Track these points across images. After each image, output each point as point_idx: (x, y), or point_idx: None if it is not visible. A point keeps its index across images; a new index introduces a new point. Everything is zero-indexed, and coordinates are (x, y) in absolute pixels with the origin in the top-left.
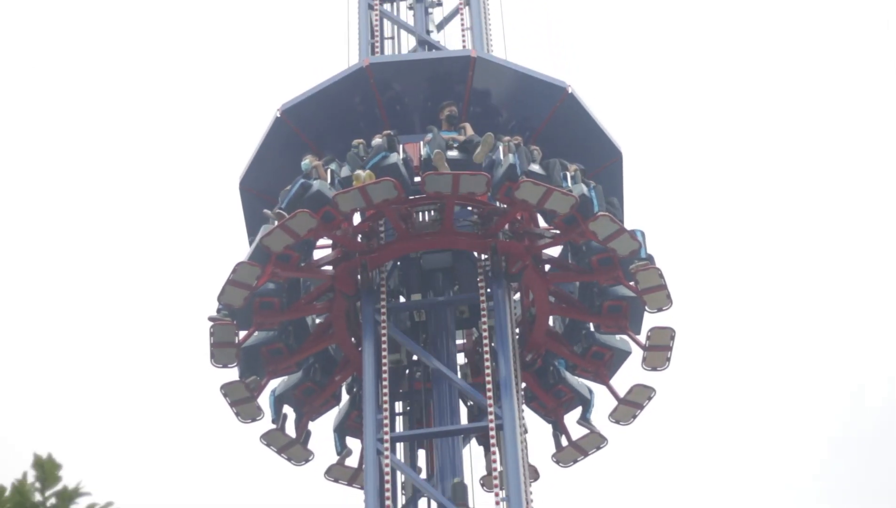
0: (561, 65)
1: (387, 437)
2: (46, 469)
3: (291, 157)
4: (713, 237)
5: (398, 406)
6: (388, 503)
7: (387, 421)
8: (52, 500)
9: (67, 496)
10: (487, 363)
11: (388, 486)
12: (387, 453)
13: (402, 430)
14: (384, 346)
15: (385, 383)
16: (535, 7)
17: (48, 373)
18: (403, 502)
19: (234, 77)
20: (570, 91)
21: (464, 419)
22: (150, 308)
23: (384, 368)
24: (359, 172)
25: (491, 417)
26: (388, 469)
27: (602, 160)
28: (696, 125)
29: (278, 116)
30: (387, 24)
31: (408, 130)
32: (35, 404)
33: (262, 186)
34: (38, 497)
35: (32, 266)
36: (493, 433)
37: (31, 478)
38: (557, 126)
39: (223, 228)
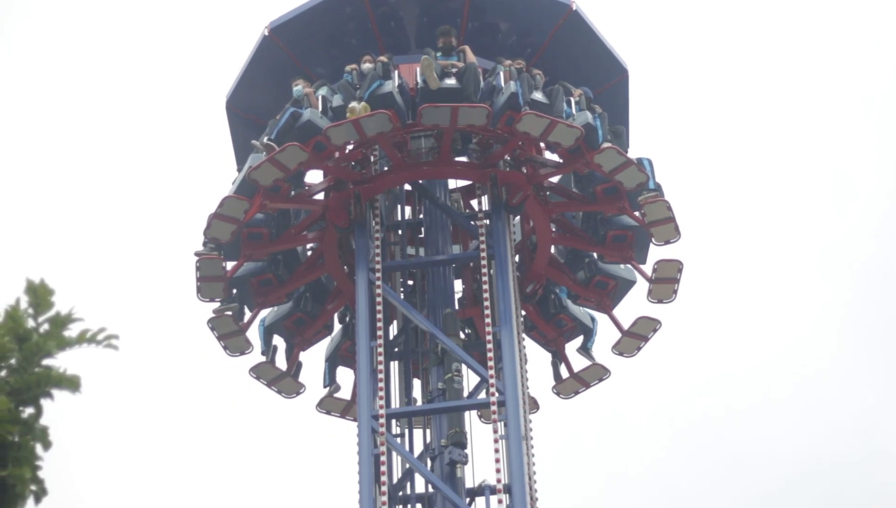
0: None
1: (381, 361)
2: (39, 294)
3: (280, 77)
4: (721, 161)
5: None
6: (382, 469)
7: (381, 385)
8: (45, 326)
9: (60, 321)
10: (486, 299)
11: (383, 460)
12: (381, 425)
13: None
14: (378, 280)
15: (379, 323)
16: None
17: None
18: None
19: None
20: (574, 7)
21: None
22: (139, 236)
23: (378, 316)
24: (353, 104)
25: (490, 368)
26: (382, 393)
27: (607, 79)
28: (703, 45)
29: (266, 34)
30: None
31: (403, 50)
32: None
33: (249, 107)
34: (30, 322)
35: (22, 185)
36: (491, 369)
37: (23, 304)
38: (561, 44)
39: (211, 148)
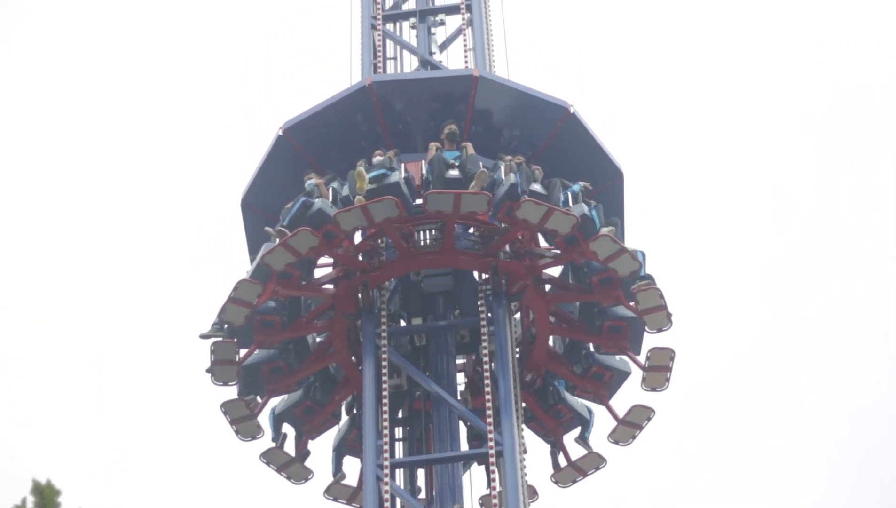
0: (562, 84)
1: (386, 463)
2: (45, 495)
3: (294, 175)
4: (713, 256)
5: (398, 432)
6: None
7: (386, 447)
8: None
9: None
10: (488, 387)
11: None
12: (386, 479)
13: (402, 456)
14: (384, 369)
15: (385, 408)
16: (538, 28)
17: (49, 387)
18: None
19: (237, 95)
20: (571, 111)
21: (464, 441)
22: (151, 324)
23: (384, 393)
24: (360, 197)
25: (491, 444)
26: (387, 496)
27: (603, 180)
28: (696, 146)
29: (280, 134)
30: (389, 44)
31: (410, 149)
32: (35, 418)
33: (264, 204)
34: None
35: (36, 275)
36: (493, 458)
37: (29, 504)
38: (559, 145)
39: (225, 245)
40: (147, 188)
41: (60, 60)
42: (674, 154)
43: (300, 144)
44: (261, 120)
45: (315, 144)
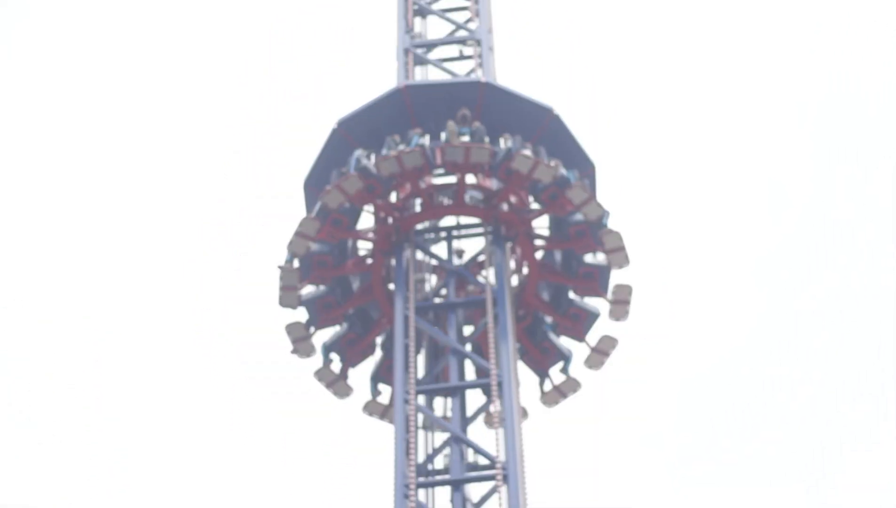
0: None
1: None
2: None
3: (345, 159)
4: (707, 248)
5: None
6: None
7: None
8: None
9: None
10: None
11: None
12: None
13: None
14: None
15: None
16: (524, 38)
17: (49, 387)
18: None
19: (237, 95)
20: (555, 113)
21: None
22: (151, 324)
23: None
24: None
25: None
26: (412, 413)
27: (579, 171)
28: (690, 138)
29: (335, 127)
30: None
31: (432, 136)
32: (35, 418)
33: (322, 186)
34: None
35: (36, 275)
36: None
37: None
38: (543, 138)
39: (225, 245)
40: (147, 188)
41: (60, 60)
42: (668, 146)
43: (350, 134)
44: (261, 120)
45: (361, 134)
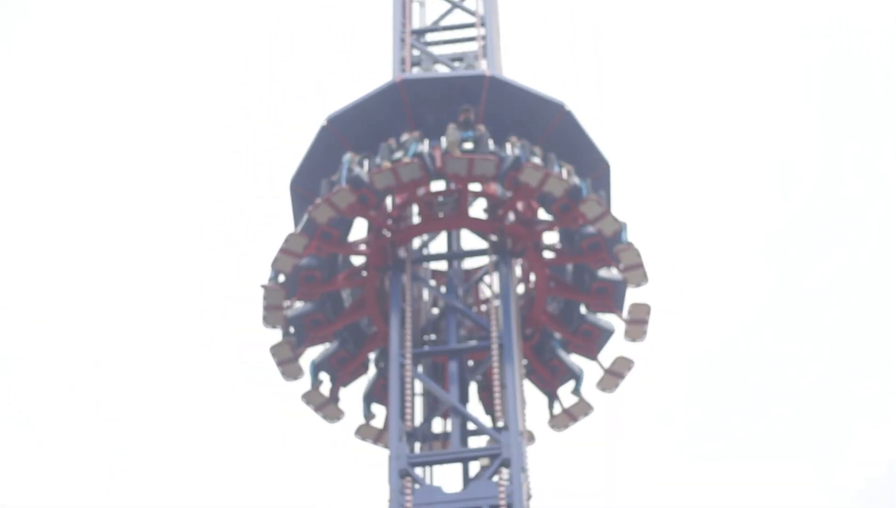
0: (558, 82)
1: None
2: None
3: (335, 159)
4: (716, 225)
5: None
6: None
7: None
8: None
9: None
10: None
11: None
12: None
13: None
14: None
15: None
16: (534, 29)
17: (49, 387)
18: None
19: (237, 95)
20: (566, 109)
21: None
22: (151, 324)
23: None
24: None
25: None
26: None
27: (592, 169)
28: (699, 115)
29: (325, 124)
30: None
31: (431, 136)
32: (35, 418)
33: (309, 186)
34: None
35: (36, 275)
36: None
37: None
38: (554, 137)
39: (225, 244)
40: (147, 188)
41: (60, 60)
42: (675, 125)
43: (341, 132)
44: (261, 120)
45: (353, 132)
